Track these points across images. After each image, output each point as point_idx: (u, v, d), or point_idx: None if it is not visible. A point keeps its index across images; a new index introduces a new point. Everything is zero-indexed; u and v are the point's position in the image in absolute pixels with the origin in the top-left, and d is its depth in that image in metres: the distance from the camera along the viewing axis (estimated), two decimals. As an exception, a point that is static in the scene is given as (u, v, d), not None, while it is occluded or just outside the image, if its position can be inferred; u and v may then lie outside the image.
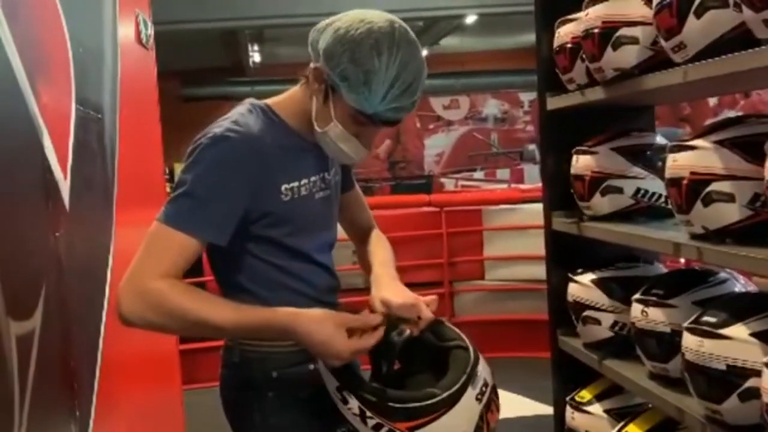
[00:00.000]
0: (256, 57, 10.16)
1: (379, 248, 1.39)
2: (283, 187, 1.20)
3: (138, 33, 2.14)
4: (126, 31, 2.02)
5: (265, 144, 1.18)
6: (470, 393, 1.15)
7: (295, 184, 1.22)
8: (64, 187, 1.33)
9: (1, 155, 1.09)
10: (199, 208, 1.11)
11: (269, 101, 1.27)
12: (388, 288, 1.23)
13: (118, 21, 1.90)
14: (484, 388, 1.17)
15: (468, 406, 1.14)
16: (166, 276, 1.08)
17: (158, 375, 2.22)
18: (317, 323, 1.10)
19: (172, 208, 1.12)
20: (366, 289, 1.28)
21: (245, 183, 1.15)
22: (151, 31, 2.27)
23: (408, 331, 1.17)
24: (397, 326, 1.16)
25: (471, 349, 1.20)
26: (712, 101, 9.39)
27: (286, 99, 1.27)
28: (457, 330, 1.25)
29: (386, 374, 1.18)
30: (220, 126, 1.17)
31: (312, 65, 1.21)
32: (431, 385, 1.15)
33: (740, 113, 8.86)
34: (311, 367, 1.23)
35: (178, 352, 2.47)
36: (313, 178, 1.26)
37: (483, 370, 1.19)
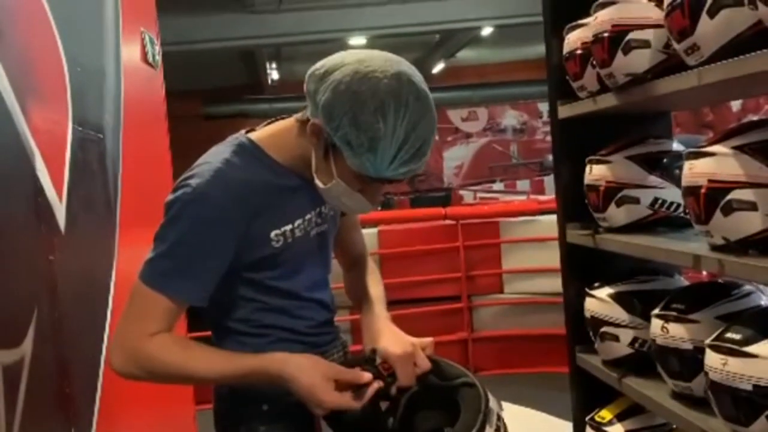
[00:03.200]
0: (274, 75, 10.26)
1: (373, 282, 1.34)
2: (273, 234, 1.14)
3: (144, 52, 2.14)
4: (131, 50, 2.01)
5: (254, 190, 1.12)
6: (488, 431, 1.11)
7: (288, 227, 1.16)
8: (59, 209, 1.30)
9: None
10: (181, 271, 1.08)
11: (257, 137, 1.18)
12: (384, 335, 1.18)
13: (121, 40, 1.89)
14: (498, 423, 1.14)
15: None
16: (154, 334, 1.08)
17: (169, 395, 2.19)
18: (305, 370, 1.08)
19: (153, 269, 1.08)
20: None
21: (230, 239, 1.10)
22: (158, 49, 2.26)
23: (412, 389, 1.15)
24: (394, 378, 1.13)
25: (478, 384, 1.16)
26: (736, 106, 9.22)
27: (276, 135, 1.18)
28: (457, 365, 1.21)
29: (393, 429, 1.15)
30: (202, 176, 1.08)
31: (309, 117, 1.11)
32: (442, 429, 1.12)
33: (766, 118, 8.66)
34: None
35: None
36: (308, 216, 1.20)
37: (493, 404, 1.15)
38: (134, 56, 2.05)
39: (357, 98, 1.04)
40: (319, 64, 1.12)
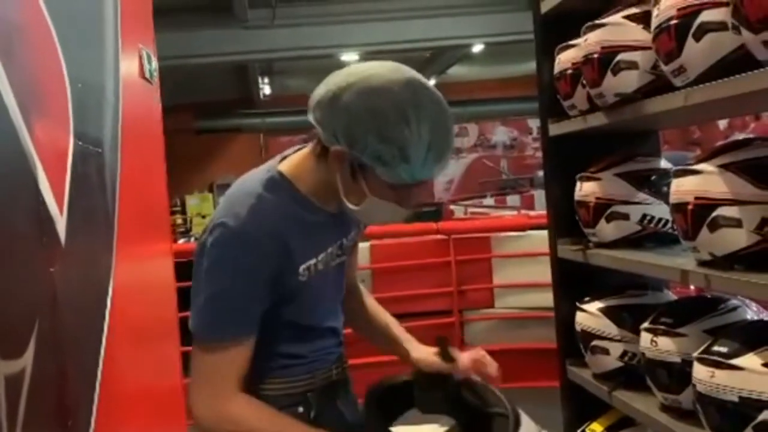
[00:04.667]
0: (266, 89, 10.30)
1: (382, 310, 1.43)
2: (301, 269, 1.16)
3: (142, 68, 2.16)
4: (129, 66, 2.03)
5: (287, 225, 1.13)
6: None
7: (312, 261, 1.17)
8: (60, 222, 1.32)
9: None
10: (231, 313, 1.11)
11: (287, 171, 1.17)
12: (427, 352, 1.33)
13: (120, 56, 1.91)
14: None
15: None
16: (236, 387, 1.12)
17: (162, 410, 2.19)
18: None
19: (204, 320, 1.12)
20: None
21: (268, 274, 1.12)
22: (155, 65, 2.29)
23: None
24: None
25: (511, 416, 1.20)
26: (723, 124, 9.35)
27: (302, 168, 1.17)
28: (500, 394, 1.26)
29: None
30: (237, 216, 1.09)
31: (326, 145, 1.11)
32: None
33: (752, 136, 8.78)
34: (300, 410, 1.22)
35: (183, 386, 2.44)
36: (330, 249, 1.22)
37: None
38: (132, 72, 2.07)
39: (377, 114, 1.05)
40: (321, 90, 1.12)
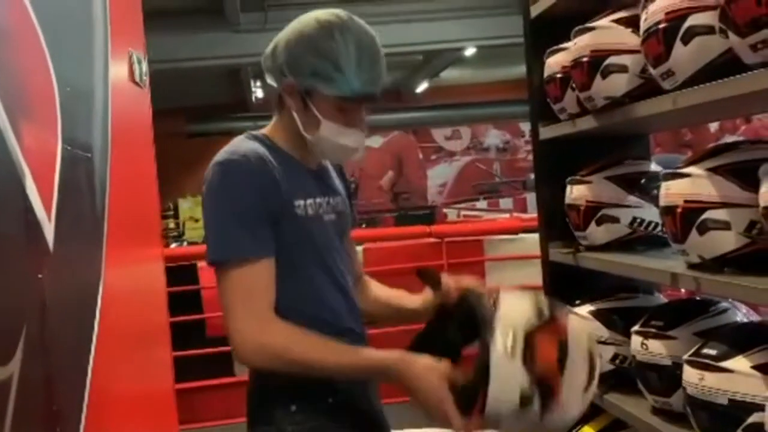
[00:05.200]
0: (258, 93, 10.28)
1: (385, 289, 1.50)
2: (295, 202, 1.23)
3: (132, 72, 2.16)
4: (119, 70, 2.03)
5: (270, 163, 1.22)
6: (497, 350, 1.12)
7: (301, 202, 1.25)
8: (48, 228, 1.31)
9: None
10: (245, 232, 1.17)
11: (265, 131, 1.31)
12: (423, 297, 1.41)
13: (110, 60, 1.90)
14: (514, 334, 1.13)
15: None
16: (271, 310, 1.17)
17: (153, 415, 2.18)
18: (432, 378, 1.13)
19: (220, 245, 1.18)
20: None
21: (269, 199, 1.20)
22: (145, 69, 2.28)
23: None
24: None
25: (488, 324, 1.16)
26: (714, 127, 9.40)
27: (274, 128, 1.31)
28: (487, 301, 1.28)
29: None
30: (229, 153, 1.22)
31: (280, 86, 1.26)
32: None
33: (742, 138, 8.85)
34: (330, 400, 1.24)
35: (174, 392, 2.43)
36: (318, 200, 1.28)
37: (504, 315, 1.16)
38: (122, 76, 2.06)
39: (309, 39, 1.21)
40: (266, 51, 1.28)
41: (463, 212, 8.55)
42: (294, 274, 1.23)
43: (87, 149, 1.63)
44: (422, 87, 10.23)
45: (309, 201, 1.26)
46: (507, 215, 7.19)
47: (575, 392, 1.15)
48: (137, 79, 2.19)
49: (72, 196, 1.48)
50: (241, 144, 1.24)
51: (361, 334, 1.33)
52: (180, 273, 3.65)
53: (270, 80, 1.29)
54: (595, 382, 1.19)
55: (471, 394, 1.12)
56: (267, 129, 1.32)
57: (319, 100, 1.22)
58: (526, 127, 10.64)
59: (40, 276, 1.26)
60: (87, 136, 1.66)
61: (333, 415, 1.24)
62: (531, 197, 9.41)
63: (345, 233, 1.37)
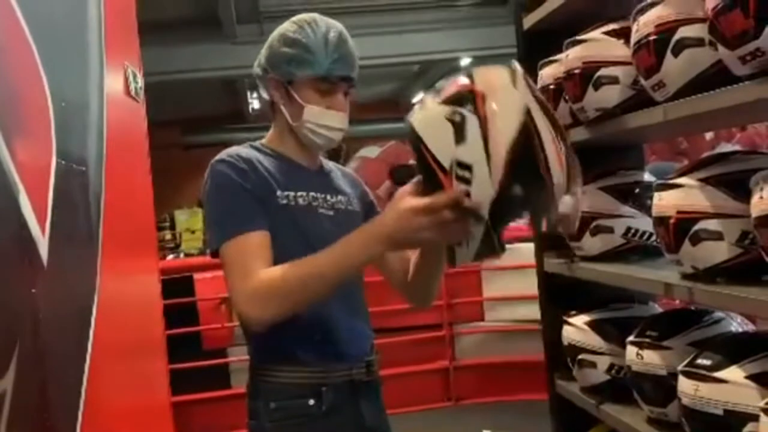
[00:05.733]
0: (255, 104, 10.30)
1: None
2: (278, 192, 1.30)
3: (127, 85, 2.16)
4: (114, 83, 2.03)
5: (258, 161, 1.32)
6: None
7: (291, 193, 1.32)
8: (42, 242, 1.31)
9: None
10: (236, 215, 1.25)
11: (263, 140, 1.41)
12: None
13: (105, 74, 1.91)
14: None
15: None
16: (263, 269, 1.21)
17: (149, 428, 2.16)
18: (384, 214, 1.13)
19: (217, 231, 1.26)
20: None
21: (248, 181, 1.28)
22: (141, 83, 2.29)
23: None
24: None
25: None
26: (709, 135, 9.41)
27: (273, 134, 1.41)
28: None
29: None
30: (224, 155, 1.32)
31: (267, 88, 1.37)
32: None
33: (737, 146, 8.87)
34: (311, 402, 1.28)
35: (170, 405, 2.42)
36: (312, 194, 1.34)
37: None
38: (117, 89, 2.07)
39: (283, 35, 1.34)
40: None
41: (459, 222, 8.54)
42: (284, 261, 1.25)
43: (82, 163, 1.63)
44: (419, 97, 10.26)
45: (301, 193, 1.33)
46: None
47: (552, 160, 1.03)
48: (132, 92, 2.19)
49: (66, 210, 1.47)
50: (231, 149, 1.33)
51: (353, 327, 1.37)
52: (176, 285, 3.65)
53: (261, 88, 1.40)
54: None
55: (432, 178, 1.06)
56: (265, 138, 1.41)
57: (299, 87, 1.32)
58: (522, 136, 10.66)
59: (33, 291, 1.25)
60: (81, 150, 1.66)
61: (311, 417, 1.28)
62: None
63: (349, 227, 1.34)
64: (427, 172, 1.06)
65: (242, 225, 1.24)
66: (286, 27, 1.36)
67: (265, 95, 1.40)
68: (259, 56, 1.39)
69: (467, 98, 1.04)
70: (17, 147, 1.23)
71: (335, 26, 1.36)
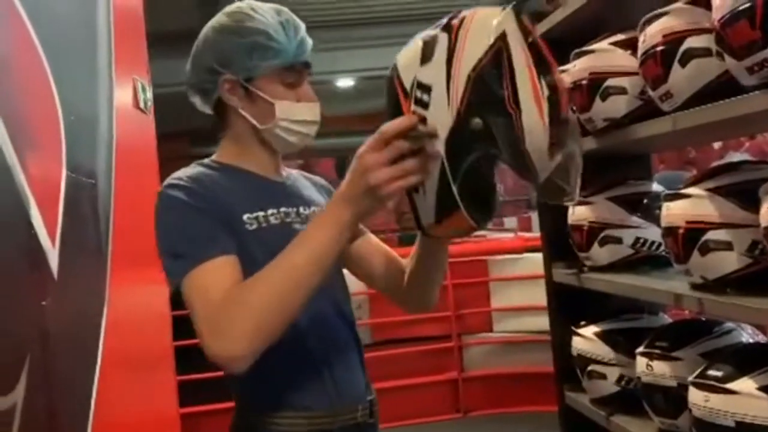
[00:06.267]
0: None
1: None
2: (245, 217, 1.11)
3: (136, 98, 2.18)
4: (123, 96, 2.05)
5: (213, 181, 1.12)
6: None
7: (260, 213, 1.13)
8: (53, 255, 1.32)
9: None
10: (193, 240, 1.04)
11: (213, 156, 1.21)
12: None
13: (114, 87, 1.93)
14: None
15: None
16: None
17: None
18: (344, 181, 0.97)
19: (175, 263, 1.04)
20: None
21: (217, 214, 1.08)
22: (149, 96, 2.31)
23: None
24: None
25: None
26: (717, 144, 9.38)
27: (224, 147, 1.21)
28: None
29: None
30: (172, 178, 1.12)
31: (214, 94, 1.16)
32: None
33: (746, 155, 8.84)
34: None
35: (179, 416, 2.42)
36: (283, 209, 1.16)
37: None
38: (126, 103, 2.09)
39: (227, 28, 1.14)
40: (189, 63, 1.20)
41: (467, 232, 8.51)
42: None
43: (91, 176, 1.65)
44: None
45: (272, 211, 1.14)
46: (511, 234, 7.17)
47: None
48: (141, 105, 2.22)
49: (76, 222, 1.49)
50: (178, 172, 1.14)
51: (350, 361, 1.19)
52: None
53: (202, 97, 1.19)
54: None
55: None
56: (215, 154, 1.21)
57: (264, 82, 1.13)
58: (529, 146, 10.64)
59: (43, 303, 1.26)
60: (91, 163, 1.67)
61: None
62: (536, 216, 9.39)
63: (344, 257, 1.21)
64: (394, 102, 0.95)
65: (203, 252, 1.02)
66: (225, 19, 1.16)
67: (206, 107, 1.20)
68: (194, 61, 1.18)
69: (449, 24, 0.94)
70: (29, 160, 1.25)
71: (281, 9, 1.18)
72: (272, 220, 1.13)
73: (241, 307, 0.96)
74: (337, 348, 1.18)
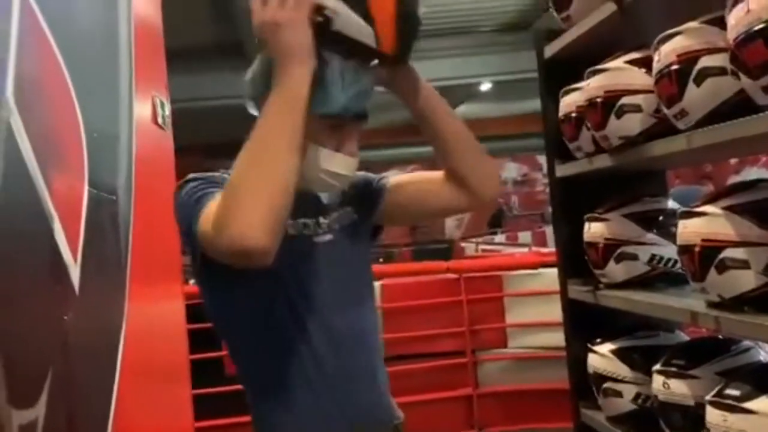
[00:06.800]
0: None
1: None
2: None
3: (155, 115, 2.22)
4: (143, 113, 2.08)
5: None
6: None
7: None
8: (74, 270, 1.34)
9: (9, 242, 1.11)
10: (209, 192, 1.07)
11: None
12: None
13: (134, 105, 1.96)
14: None
15: None
16: None
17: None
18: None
19: (198, 202, 1.07)
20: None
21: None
22: (168, 112, 2.34)
23: None
24: None
25: None
26: (733, 159, 9.31)
27: None
28: None
29: None
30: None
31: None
32: None
33: (762, 170, 8.76)
34: None
35: (194, 430, 2.43)
36: (301, 220, 1.15)
37: None
38: (146, 119, 2.12)
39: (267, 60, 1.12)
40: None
41: (481, 246, 8.52)
42: (280, 325, 1.12)
43: (112, 192, 1.67)
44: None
45: (288, 221, 1.08)
46: (526, 249, 7.15)
47: None
48: (160, 121, 2.25)
49: (97, 238, 1.51)
50: (195, 173, 1.17)
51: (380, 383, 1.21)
52: (199, 310, 3.66)
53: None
54: None
55: None
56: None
57: (310, 117, 1.06)
58: (543, 159, 10.66)
59: (65, 318, 1.28)
60: (112, 179, 1.70)
61: None
62: (550, 230, 9.32)
63: (356, 255, 1.23)
64: None
65: (210, 197, 1.05)
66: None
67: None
68: (254, 73, 1.22)
69: None
70: (52, 177, 1.27)
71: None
72: (289, 230, 1.11)
73: (232, 192, 0.99)
74: (360, 374, 1.18)
